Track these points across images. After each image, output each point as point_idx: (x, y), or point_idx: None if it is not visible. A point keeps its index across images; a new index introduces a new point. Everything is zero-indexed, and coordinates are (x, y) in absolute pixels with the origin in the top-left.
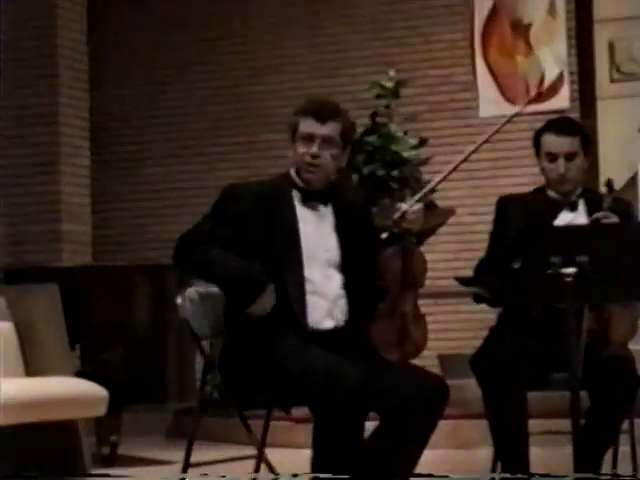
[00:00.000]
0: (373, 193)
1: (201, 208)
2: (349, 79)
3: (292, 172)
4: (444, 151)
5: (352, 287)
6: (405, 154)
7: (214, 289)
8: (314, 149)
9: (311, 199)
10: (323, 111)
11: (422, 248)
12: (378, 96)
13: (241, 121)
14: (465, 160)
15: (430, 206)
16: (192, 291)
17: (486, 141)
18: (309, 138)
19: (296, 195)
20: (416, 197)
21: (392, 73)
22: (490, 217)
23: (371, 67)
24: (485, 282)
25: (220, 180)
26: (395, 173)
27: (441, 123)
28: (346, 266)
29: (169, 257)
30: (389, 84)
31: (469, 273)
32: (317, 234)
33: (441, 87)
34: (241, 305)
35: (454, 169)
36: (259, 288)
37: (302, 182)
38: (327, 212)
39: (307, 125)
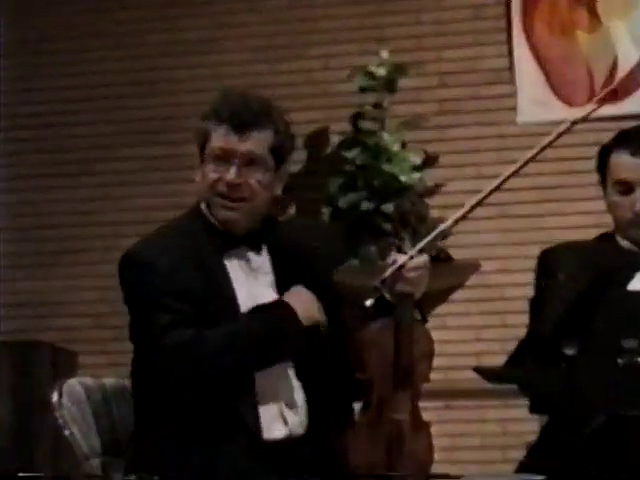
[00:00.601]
0: (353, 236)
1: (92, 255)
2: (320, 62)
3: (203, 207)
4: (462, 174)
5: (310, 377)
6: (403, 178)
7: (110, 380)
8: (231, 174)
9: (236, 245)
10: (244, 115)
11: (428, 323)
12: (364, 89)
13: (157, 124)
14: (497, 189)
15: (441, 258)
16: (75, 384)
17: (532, 158)
18: (224, 156)
19: (217, 242)
20: (420, 244)
21: (385, 54)
22: (530, 276)
23: (354, 45)
24: (521, 376)
25: (124, 214)
26: (387, 207)
27: (459, 131)
28: None
29: (43, 328)
30: (380, 71)
31: (498, 361)
32: (252, 299)
33: (460, 77)
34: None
35: (479, 203)
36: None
37: (217, 222)
38: (262, 262)
39: (221, 137)
